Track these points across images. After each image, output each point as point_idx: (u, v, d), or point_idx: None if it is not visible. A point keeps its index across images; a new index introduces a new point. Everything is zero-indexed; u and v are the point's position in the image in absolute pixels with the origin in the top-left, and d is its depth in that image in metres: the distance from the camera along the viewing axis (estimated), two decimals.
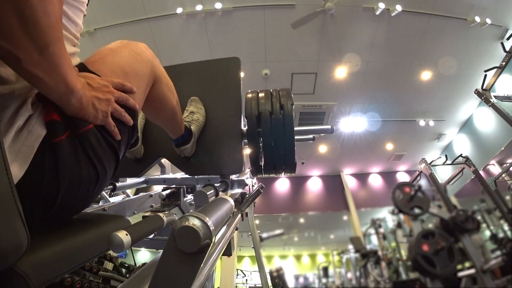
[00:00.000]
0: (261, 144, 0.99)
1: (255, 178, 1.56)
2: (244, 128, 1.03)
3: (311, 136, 1.13)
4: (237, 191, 1.07)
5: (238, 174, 1.07)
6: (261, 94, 1.01)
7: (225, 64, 1.15)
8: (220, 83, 1.11)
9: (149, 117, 0.84)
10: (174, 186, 0.95)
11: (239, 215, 0.85)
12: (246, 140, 1.02)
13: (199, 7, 3.09)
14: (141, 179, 1.19)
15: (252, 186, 1.48)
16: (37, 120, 0.40)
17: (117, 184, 1.05)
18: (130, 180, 1.14)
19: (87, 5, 0.54)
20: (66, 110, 0.42)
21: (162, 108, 0.74)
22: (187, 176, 1.05)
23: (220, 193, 0.90)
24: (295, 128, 0.98)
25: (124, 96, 0.51)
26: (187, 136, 0.93)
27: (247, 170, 1.25)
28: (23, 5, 0.30)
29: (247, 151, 1.04)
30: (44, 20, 0.32)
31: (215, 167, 0.99)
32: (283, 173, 1.08)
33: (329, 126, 1.05)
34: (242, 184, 1.10)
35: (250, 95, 1.02)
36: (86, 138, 0.45)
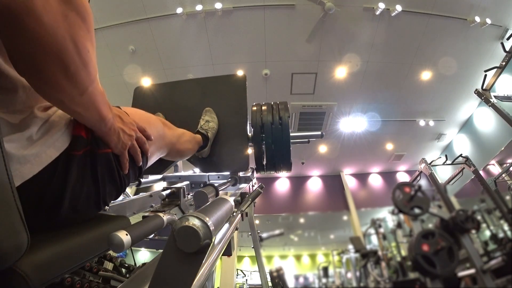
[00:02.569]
0: (263, 147, 1.20)
1: (255, 178, 1.60)
2: (249, 133, 1.24)
3: (305, 139, 1.32)
4: (243, 185, 1.25)
5: (244, 172, 1.26)
6: (264, 107, 1.25)
7: (233, 80, 1.36)
8: (229, 95, 1.31)
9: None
10: (174, 186, 0.95)
11: (239, 215, 0.85)
12: (251, 144, 1.23)
13: (199, 7, 3.09)
14: (160, 176, 1.30)
15: (252, 186, 1.50)
16: (63, 133, 0.45)
17: (142, 180, 1.18)
18: (151, 177, 1.26)
19: None
20: (96, 133, 0.49)
21: (184, 155, 1.00)
22: (197, 174, 1.26)
23: (220, 193, 0.90)
24: (291, 134, 1.20)
25: (143, 139, 0.59)
26: (205, 142, 1.14)
27: (251, 168, 1.40)
28: (67, 62, 0.35)
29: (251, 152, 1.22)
30: (84, 70, 0.37)
31: (226, 165, 1.20)
32: (281, 171, 1.30)
33: (319, 132, 1.26)
34: (247, 180, 1.27)
35: (255, 108, 1.26)
36: (100, 159, 0.49)
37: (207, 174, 1.23)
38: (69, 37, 0.33)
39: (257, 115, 1.21)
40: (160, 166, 1.18)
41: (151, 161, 0.71)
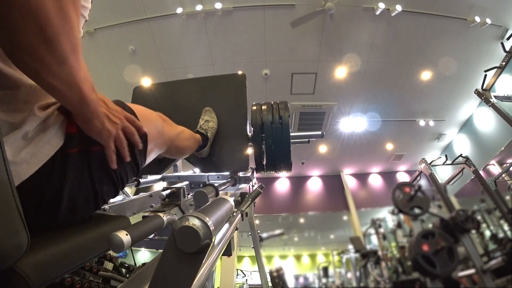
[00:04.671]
0: (263, 147, 1.19)
1: (255, 178, 1.59)
2: (249, 133, 1.23)
3: (306, 139, 1.32)
4: (243, 185, 1.24)
5: (244, 172, 1.25)
6: (263, 107, 1.23)
7: (233, 79, 1.35)
8: (229, 95, 1.31)
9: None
10: (174, 186, 0.95)
11: (239, 215, 0.85)
12: (251, 143, 1.22)
13: (199, 7, 3.09)
14: (159, 176, 1.29)
15: (252, 186, 1.50)
16: (57, 131, 0.43)
17: (141, 180, 1.17)
18: (150, 177, 1.25)
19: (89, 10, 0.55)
20: (77, 118, 0.44)
21: (184, 153, 0.98)
22: (196, 174, 1.25)
23: (220, 193, 0.90)
24: (291, 134, 1.19)
25: (132, 129, 0.53)
26: (204, 142, 1.12)
27: (251, 169, 1.39)
28: (45, 25, 0.31)
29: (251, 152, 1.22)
30: (64, 37, 0.34)
31: (225, 165, 1.19)
32: (281, 171, 1.29)
33: (319, 132, 1.25)
34: (247, 180, 1.26)
35: (255, 108, 1.25)
36: (95, 157, 0.47)
37: (207, 174, 1.22)
38: None
39: (257, 114, 1.20)
40: (159, 166, 1.17)
41: (150, 158, 0.67)
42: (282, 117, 1.17)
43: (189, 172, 1.40)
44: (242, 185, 1.24)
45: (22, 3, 0.29)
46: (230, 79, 1.34)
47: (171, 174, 1.32)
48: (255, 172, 1.37)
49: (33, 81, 0.38)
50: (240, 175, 1.24)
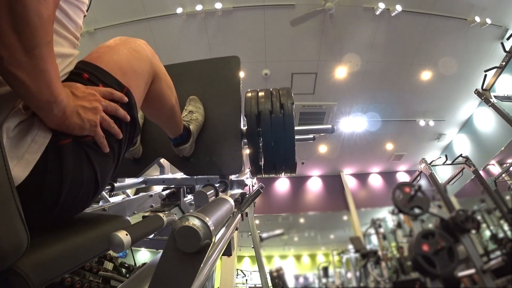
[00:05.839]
0: (261, 144, 0.97)
1: (255, 178, 1.56)
2: (243, 127, 1.01)
3: (311, 136, 1.11)
4: (237, 191, 1.06)
5: (237, 175, 1.06)
6: (261, 93, 1.00)
7: (224, 63, 1.14)
8: (219, 82, 1.10)
9: (148, 115, 0.83)
10: (174, 186, 0.95)
11: (239, 215, 0.85)
12: (245, 140, 1.00)
13: (199, 7, 3.09)
14: (140, 179, 1.18)
15: (252, 186, 1.48)
16: (40, 127, 0.39)
17: (116, 185, 1.04)
18: (128, 181, 1.13)
19: (88, 7, 0.54)
20: (48, 121, 0.39)
21: (161, 107, 0.73)
22: (186, 176, 1.03)
23: (220, 193, 0.90)
24: (296, 128, 0.96)
25: (113, 105, 0.48)
26: (185, 135, 0.92)
27: (247, 170, 1.24)
28: (15, 0, 0.28)
29: (246, 151, 1.02)
30: (35, 19, 0.30)
31: (214, 167, 0.98)
32: (283, 173, 1.06)
33: (329, 126, 1.03)
34: (241, 184, 1.09)
35: (249, 94, 1.01)
36: (87, 144, 0.45)
37: (194, 177, 1.04)
38: None
39: (252, 102, 0.97)
40: (138, 167, 1.03)
41: (136, 95, 0.56)
42: (284, 105, 0.94)
43: (177, 175, 1.21)
44: (236, 191, 1.08)
45: None
46: (221, 63, 1.15)
47: (154, 177, 1.18)
48: (250, 175, 1.21)
49: None
50: (233, 179, 1.06)
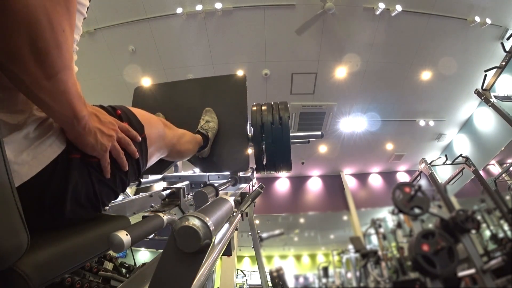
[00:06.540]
0: (263, 147, 1.20)
1: (255, 178, 1.59)
2: (249, 133, 1.24)
3: (305, 139, 1.33)
4: (243, 185, 1.25)
5: (244, 172, 1.27)
6: (264, 107, 1.25)
7: (233, 79, 1.36)
8: (229, 95, 1.32)
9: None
10: (174, 186, 0.95)
11: (239, 215, 0.84)
12: (251, 144, 1.23)
13: (199, 7, 3.10)
14: (159, 176, 1.30)
15: (252, 186, 1.50)
16: (59, 135, 0.43)
17: (142, 180, 1.18)
18: (151, 177, 1.26)
19: (87, 8, 0.54)
20: (68, 134, 0.44)
21: (185, 156, 1.01)
22: (197, 174, 1.26)
23: (220, 193, 0.90)
24: (291, 134, 1.20)
25: (127, 139, 0.54)
26: (205, 142, 1.13)
27: (251, 169, 1.40)
28: (36, 36, 0.31)
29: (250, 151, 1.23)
30: (55, 51, 0.33)
31: (226, 165, 1.21)
32: (281, 171, 1.30)
33: (319, 132, 1.26)
34: (248, 179, 1.27)
35: (255, 108, 1.26)
36: (94, 163, 0.48)
37: (207, 174, 1.23)
38: (42, 8, 0.30)
39: (257, 115, 1.22)
40: (160, 166, 1.17)
41: (151, 162, 0.69)
42: (282, 118, 1.19)
43: (189, 172, 1.41)
44: (243, 185, 1.25)
45: (16, 12, 0.28)
46: (231, 80, 1.36)
47: (171, 174, 1.32)
48: (255, 172, 1.38)
49: (24, 94, 0.37)
50: (241, 175, 1.25)
